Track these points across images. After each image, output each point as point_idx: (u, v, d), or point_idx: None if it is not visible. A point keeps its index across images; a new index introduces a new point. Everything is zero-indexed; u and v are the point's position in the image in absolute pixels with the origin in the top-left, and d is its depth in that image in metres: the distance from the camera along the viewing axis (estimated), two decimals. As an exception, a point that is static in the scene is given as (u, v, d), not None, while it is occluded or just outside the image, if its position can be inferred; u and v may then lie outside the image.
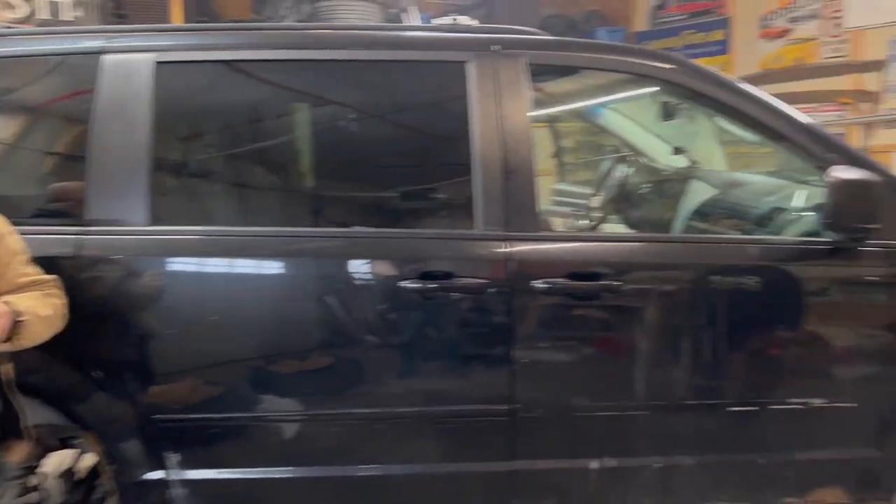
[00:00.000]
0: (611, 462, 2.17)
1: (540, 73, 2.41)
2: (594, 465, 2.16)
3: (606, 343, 2.20)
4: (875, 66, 6.60)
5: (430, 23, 3.23)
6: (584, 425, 2.18)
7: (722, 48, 7.72)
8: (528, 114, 2.20)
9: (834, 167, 2.10)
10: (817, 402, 2.21)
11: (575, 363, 2.16)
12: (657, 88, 2.66)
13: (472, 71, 2.17)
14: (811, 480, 2.27)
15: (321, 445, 2.13)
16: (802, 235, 2.33)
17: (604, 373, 2.19)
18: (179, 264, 2.10)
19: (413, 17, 3.48)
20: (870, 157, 2.35)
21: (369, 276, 2.15)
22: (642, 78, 2.47)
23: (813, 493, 2.27)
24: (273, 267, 2.12)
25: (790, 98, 7.38)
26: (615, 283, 2.11)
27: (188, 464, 2.05)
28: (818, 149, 2.26)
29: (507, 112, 2.15)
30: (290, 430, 2.12)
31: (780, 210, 2.50)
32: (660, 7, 8.25)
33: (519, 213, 2.11)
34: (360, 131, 2.47)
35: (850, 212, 2.06)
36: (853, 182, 2.05)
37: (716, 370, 2.20)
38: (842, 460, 2.26)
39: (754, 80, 7.36)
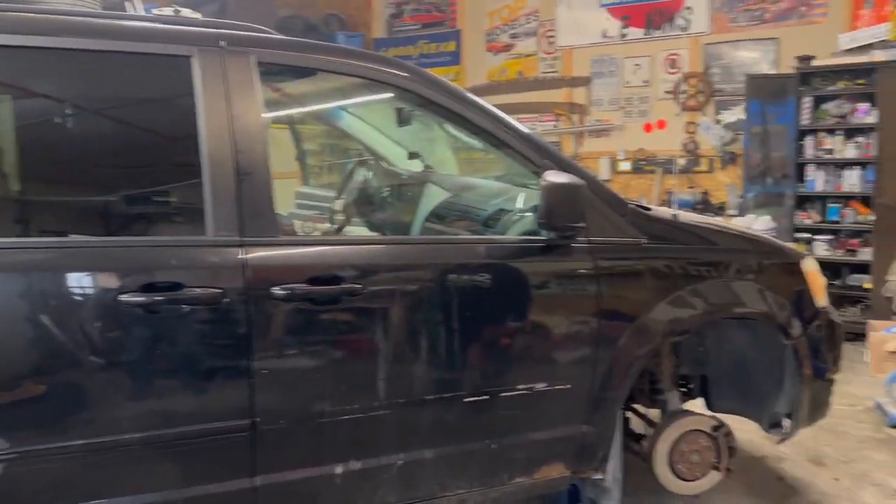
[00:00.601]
0: (356, 465, 2.17)
1: (274, 72, 2.35)
2: (339, 469, 2.15)
3: (349, 346, 2.20)
4: (582, 81, 7.46)
5: (152, 13, 2.98)
6: (328, 431, 2.16)
7: (454, 59, 8.20)
8: (262, 114, 2.12)
9: (547, 172, 2.31)
10: (539, 386, 2.41)
11: (317, 369, 2.13)
12: (392, 94, 2.72)
13: (197, 66, 2.05)
14: (537, 459, 2.48)
15: (33, 487, 1.86)
16: (524, 234, 2.53)
17: (347, 376, 2.18)
18: None
19: (137, 6, 3.19)
20: (578, 162, 2.62)
21: (85, 291, 1.92)
22: (377, 83, 2.50)
23: (539, 471, 2.48)
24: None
25: (514, 108, 8.08)
26: (356, 285, 2.12)
27: None
28: (534, 155, 2.47)
29: (237, 111, 2.06)
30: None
31: (504, 211, 2.69)
32: (396, 16, 8.54)
33: (254, 217, 2.03)
34: (76, 128, 2.21)
35: (560, 212, 2.27)
36: (562, 185, 2.26)
37: (452, 364, 2.30)
38: (562, 437, 2.49)
39: (483, 90, 7.94)
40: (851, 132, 5.85)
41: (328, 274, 2.09)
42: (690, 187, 6.95)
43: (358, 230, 3.35)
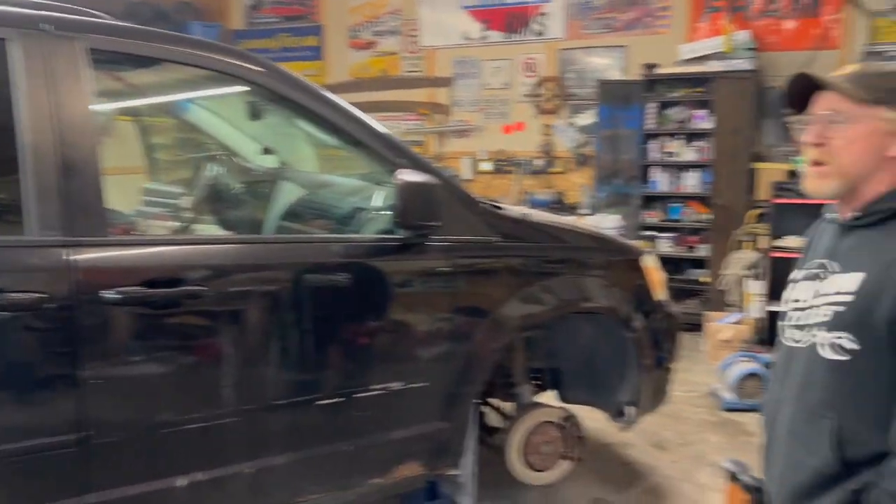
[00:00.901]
0: (201, 476, 2.07)
1: (109, 61, 2.19)
2: (183, 482, 2.04)
3: (193, 352, 2.09)
4: (445, 81, 7.55)
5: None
6: (170, 442, 2.04)
7: (316, 54, 8.05)
8: (91, 104, 1.97)
9: (401, 171, 2.30)
10: (396, 385, 2.41)
11: (157, 377, 2.01)
12: (243, 88, 2.62)
13: (16, 51, 1.87)
14: (393, 459, 2.47)
15: None
16: (380, 233, 2.51)
17: (190, 384, 2.08)
18: None
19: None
20: (433, 162, 2.63)
21: None
22: (227, 76, 2.39)
23: (395, 470, 2.47)
24: None
25: (378, 106, 8.03)
26: (198, 287, 2.02)
27: None
28: (389, 154, 2.46)
29: (64, 101, 1.89)
30: None
31: (361, 209, 2.66)
32: (255, 7, 8.27)
33: (83, 215, 1.88)
34: None
35: (414, 211, 2.27)
36: (417, 184, 2.26)
37: (304, 368, 2.25)
38: (418, 436, 2.50)
39: (346, 87, 7.85)
40: (691, 136, 6.28)
41: (167, 276, 1.97)
42: (547, 187, 7.22)
43: (209, 229, 3.20)
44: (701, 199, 6.31)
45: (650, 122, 6.33)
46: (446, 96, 7.56)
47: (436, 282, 2.49)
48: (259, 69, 2.33)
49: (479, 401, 3.27)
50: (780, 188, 5.29)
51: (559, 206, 7.02)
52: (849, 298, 1.33)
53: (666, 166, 6.39)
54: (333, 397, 2.31)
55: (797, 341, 1.44)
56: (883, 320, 1.27)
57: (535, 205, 7.07)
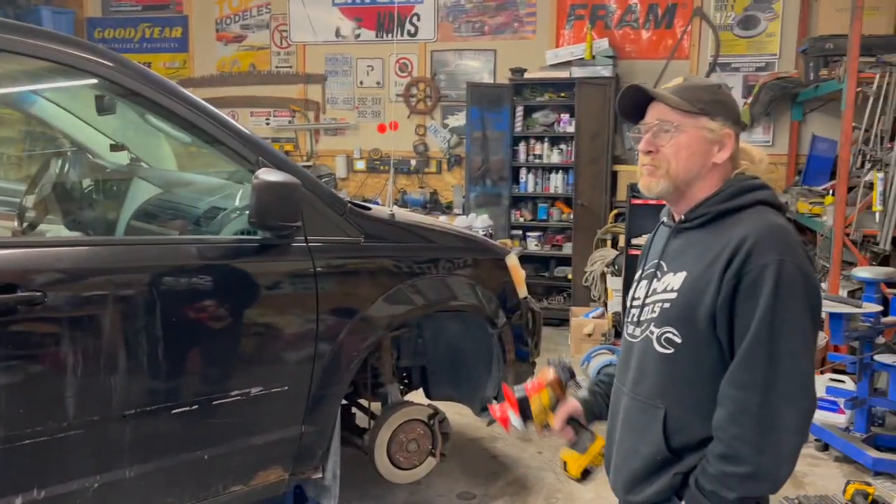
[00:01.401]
0: (39, 493, 1.94)
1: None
2: (18, 501, 1.90)
3: (29, 362, 1.95)
4: (317, 78, 7.45)
5: None
6: (4, 459, 1.90)
7: (181, 46, 7.71)
8: None
9: (260, 170, 2.25)
10: (256, 390, 2.36)
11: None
12: (89, 82, 2.46)
13: None
14: (254, 465, 2.42)
15: None
16: (240, 234, 2.45)
17: (27, 396, 1.94)
18: None
19: None
20: (293, 161, 2.59)
21: None
22: (72, 69, 2.24)
23: (256, 476, 2.42)
24: None
25: (248, 101, 7.80)
26: (36, 293, 1.89)
27: None
28: (248, 153, 2.40)
29: None
30: None
31: (219, 209, 2.58)
32: (110, -6, 7.81)
33: None
34: None
35: (273, 211, 2.23)
36: (276, 184, 2.22)
37: (155, 375, 2.15)
38: (280, 440, 2.46)
39: (213, 81, 7.58)
40: (556, 140, 6.54)
41: (1, 281, 1.83)
42: (421, 187, 7.28)
43: (54, 229, 3.00)
44: (565, 200, 6.58)
45: (518, 125, 6.53)
46: (319, 93, 7.46)
47: (297, 283, 2.45)
48: (105, 62, 2.21)
49: (347, 401, 3.27)
50: (635, 189, 5.60)
51: (433, 205, 7.10)
52: (673, 296, 1.44)
53: (533, 168, 6.62)
54: (189, 405, 2.23)
55: (634, 336, 1.54)
56: (703, 316, 1.38)
57: (410, 204, 7.13)
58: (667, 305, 1.45)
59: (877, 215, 4.56)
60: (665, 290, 1.47)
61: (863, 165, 4.71)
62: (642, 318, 1.52)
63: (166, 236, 2.51)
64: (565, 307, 6.36)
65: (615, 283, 5.77)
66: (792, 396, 1.31)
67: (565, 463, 1.70)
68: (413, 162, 7.26)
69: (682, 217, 1.51)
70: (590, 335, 5.38)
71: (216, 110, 2.41)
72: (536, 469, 3.64)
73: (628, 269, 5.38)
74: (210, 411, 2.27)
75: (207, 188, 2.81)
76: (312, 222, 2.48)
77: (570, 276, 6.47)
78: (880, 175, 4.53)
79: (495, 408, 1.71)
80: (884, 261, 4.76)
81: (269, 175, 2.22)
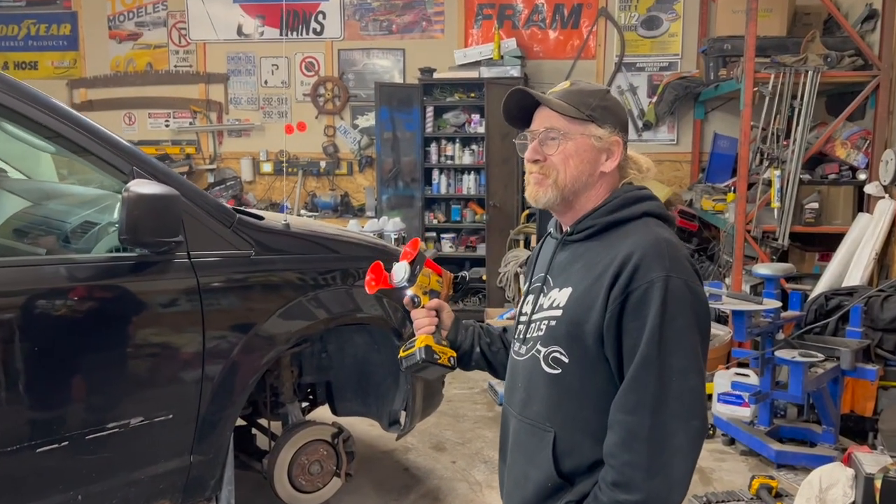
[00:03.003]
0: None
1: None
2: None
3: None
4: (219, 78, 7.14)
5: None
6: None
7: (71, 44, 7.25)
8: None
9: (133, 182, 2.07)
10: (135, 421, 2.17)
11: None
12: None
13: None
14: (137, 501, 2.23)
15: None
16: (116, 250, 2.24)
17: None
18: None
19: None
20: (173, 171, 2.40)
21: None
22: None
23: (140, 514, 2.23)
24: None
25: (145, 102, 7.41)
26: None
27: None
28: (121, 162, 2.20)
29: None
30: None
31: (93, 224, 2.37)
32: (-9, -13, 7.27)
33: None
34: None
35: (148, 226, 2.04)
36: (150, 197, 2.04)
37: (16, 412, 1.94)
38: (165, 473, 2.27)
39: (107, 81, 7.18)
40: (467, 140, 6.48)
41: None
42: (332, 190, 7.09)
43: None
44: (478, 201, 6.53)
45: (429, 126, 6.44)
46: (222, 93, 7.16)
47: (180, 302, 2.27)
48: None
49: (246, 422, 3.10)
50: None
51: (344, 208, 6.93)
52: (559, 313, 1.36)
53: (445, 169, 6.54)
54: (58, 442, 2.02)
55: (520, 354, 1.45)
56: (590, 334, 1.30)
57: (320, 207, 6.93)
58: (553, 323, 1.37)
59: (775, 212, 4.70)
60: (551, 307, 1.39)
61: (761, 163, 4.85)
62: (528, 336, 1.43)
63: (27, 256, 2.27)
64: (481, 308, 6.32)
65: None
66: (682, 415, 1.25)
67: (413, 341, 1.57)
68: (323, 164, 7.06)
69: (568, 229, 1.44)
70: (504, 337, 5.34)
71: (83, 117, 2.20)
72: (449, 480, 3.55)
73: (540, 269, 5.36)
74: (83, 447, 2.07)
75: (84, 200, 2.58)
76: (196, 236, 2.30)
77: (484, 277, 6.44)
78: (777, 172, 4.67)
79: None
80: (782, 256, 4.91)
81: (141, 187, 2.04)
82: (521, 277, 5.85)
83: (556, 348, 1.35)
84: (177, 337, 2.27)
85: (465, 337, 1.61)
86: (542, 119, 1.39)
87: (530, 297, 1.48)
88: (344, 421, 3.32)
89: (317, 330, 2.76)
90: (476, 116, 6.39)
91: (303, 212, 6.92)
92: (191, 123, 7.20)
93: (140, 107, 7.22)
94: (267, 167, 7.12)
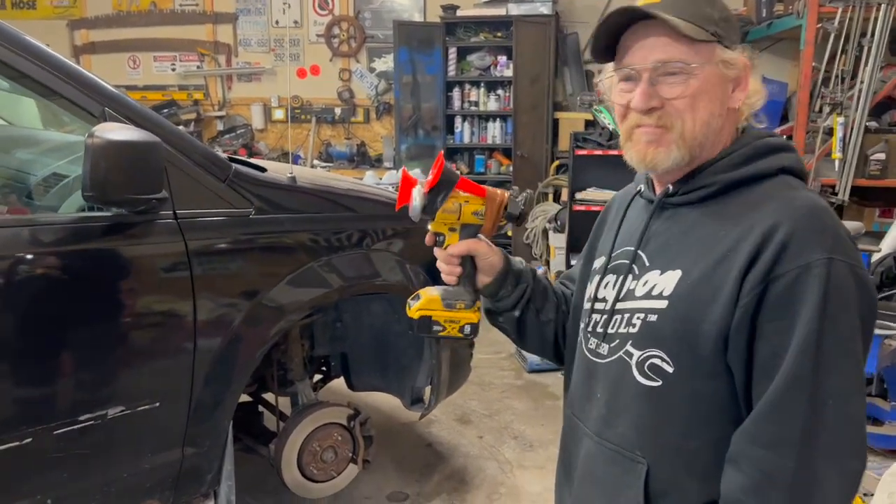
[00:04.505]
0: None
1: None
2: None
3: None
4: (227, 17, 6.69)
5: None
6: None
7: (69, -19, 6.80)
8: None
9: (100, 126, 1.69)
10: (114, 411, 1.83)
11: None
12: None
13: None
14: (119, 501, 1.91)
15: None
16: (86, 209, 1.88)
17: None
18: None
19: None
20: (153, 112, 2.00)
21: None
22: None
23: (125, 515, 1.92)
24: None
25: (150, 44, 6.96)
26: None
27: None
28: (90, 102, 1.81)
29: None
30: None
31: (62, 177, 2.00)
32: (-18, -81, 6.81)
33: None
34: None
35: (119, 180, 1.67)
36: (122, 144, 1.66)
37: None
38: (152, 469, 1.95)
39: (109, 21, 6.75)
40: (492, 85, 6.01)
41: None
42: (348, 139, 6.68)
43: None
44: (504, 151, 6.10)
45: (451, 69, 5.97)
46: (230, 34, 6.71)
47: (164, 270, 1.92)
48: None
49: (253, 398, 2.78)
50: (578, 138, 5.15)
51: (360, 158, 6.53)
52: (663, 306, 0.98)
53: (468, 116, 6.09)
54: (18, 440, 1.69)
55: (600, 355, 1.08)
56: (708, 337, 0.93)
57: (335, 157, 6.53)
58: (653, 318, 0.99)
59: (836, 163, 4.24)
60: (649, 296, 1.01)
61: (821, 109, 4.37)
62: (612, 332, 1.06)
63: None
64: (505, 266, 5.94)
65: (558, 241, 5.35)
66: (838, 455, 0.89)
67: (418, 295, 1.15)
68: (338, 111, 6.63)
69: (671, 188, 1.04)
70: (532, 298, 4.98)
71: (50, 51, 1.81)
72: (476, 458, 3.24)
73: (572, 225, 4.96)
74: (51, 444, 1.75)
75: (51, 148, 2.21)
76: (183, 192, 1.93)
77: (509, 233, 6.04)
78: (840, 119, 4.20)
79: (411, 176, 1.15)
80: (838, 212, 4.48)
81: (111, 132, 1.66)
82: (550, 234, 5.46)
83: (657, 352, 0.98)
84: (161, 311, 1.92)
85: (510, 293, 1.21)
86: (652, 47, 0.97)
87: (611, 278, 1.10)
88: (360, 394, 2.99)
89: (329, 299, 2.40)
90: (503, 58, 5.91)
91: (316, 162, 6.52)
92: (198, 67, 6.78)
93: (144, 49, 6.79)
94: (279, 114, 6.72)
